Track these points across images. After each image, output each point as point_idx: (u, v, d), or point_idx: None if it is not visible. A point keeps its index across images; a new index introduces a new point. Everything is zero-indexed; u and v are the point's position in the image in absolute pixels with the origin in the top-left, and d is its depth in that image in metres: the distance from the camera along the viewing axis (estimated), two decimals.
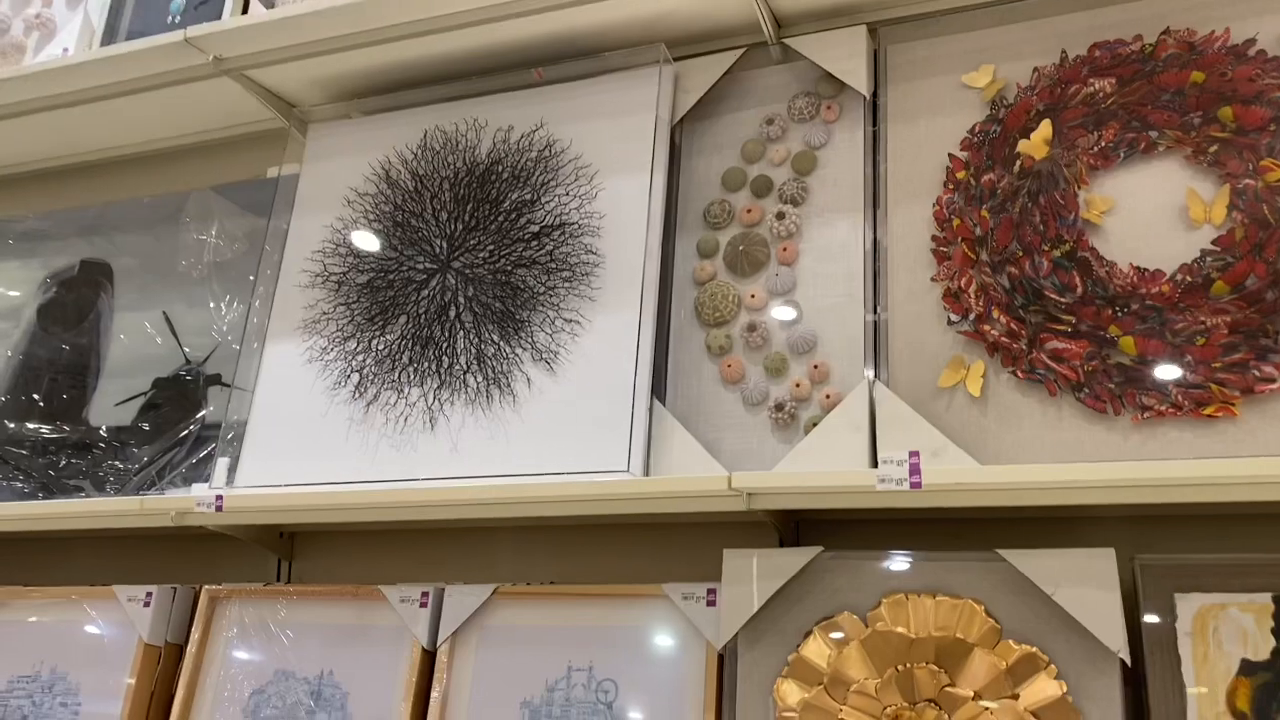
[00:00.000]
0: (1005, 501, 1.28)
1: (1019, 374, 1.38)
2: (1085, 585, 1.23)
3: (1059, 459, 1.29)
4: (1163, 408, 1.30)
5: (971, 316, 1.43)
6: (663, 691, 1.42)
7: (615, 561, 1.64)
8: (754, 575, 1.36)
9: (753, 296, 1.56)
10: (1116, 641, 1.20)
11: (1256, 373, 1.27)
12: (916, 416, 1.38)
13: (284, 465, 1.62)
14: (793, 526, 1.59)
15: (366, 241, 1.72)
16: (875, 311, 1.49)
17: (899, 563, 1.35)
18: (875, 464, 1.33)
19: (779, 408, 1.49)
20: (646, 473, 1.45)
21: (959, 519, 1.45)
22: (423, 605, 1.52)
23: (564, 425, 1.51)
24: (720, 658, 1.40)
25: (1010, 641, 1.28)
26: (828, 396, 1.47)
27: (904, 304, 1.48)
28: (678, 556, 1.58)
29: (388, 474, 1.55)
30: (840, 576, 1.37)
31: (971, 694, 1.27)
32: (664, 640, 1.45)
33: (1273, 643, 1.19)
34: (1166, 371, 1.31)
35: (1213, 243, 1.31)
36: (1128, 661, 1.21)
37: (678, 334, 1.60)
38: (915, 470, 1.23)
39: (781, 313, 1.54)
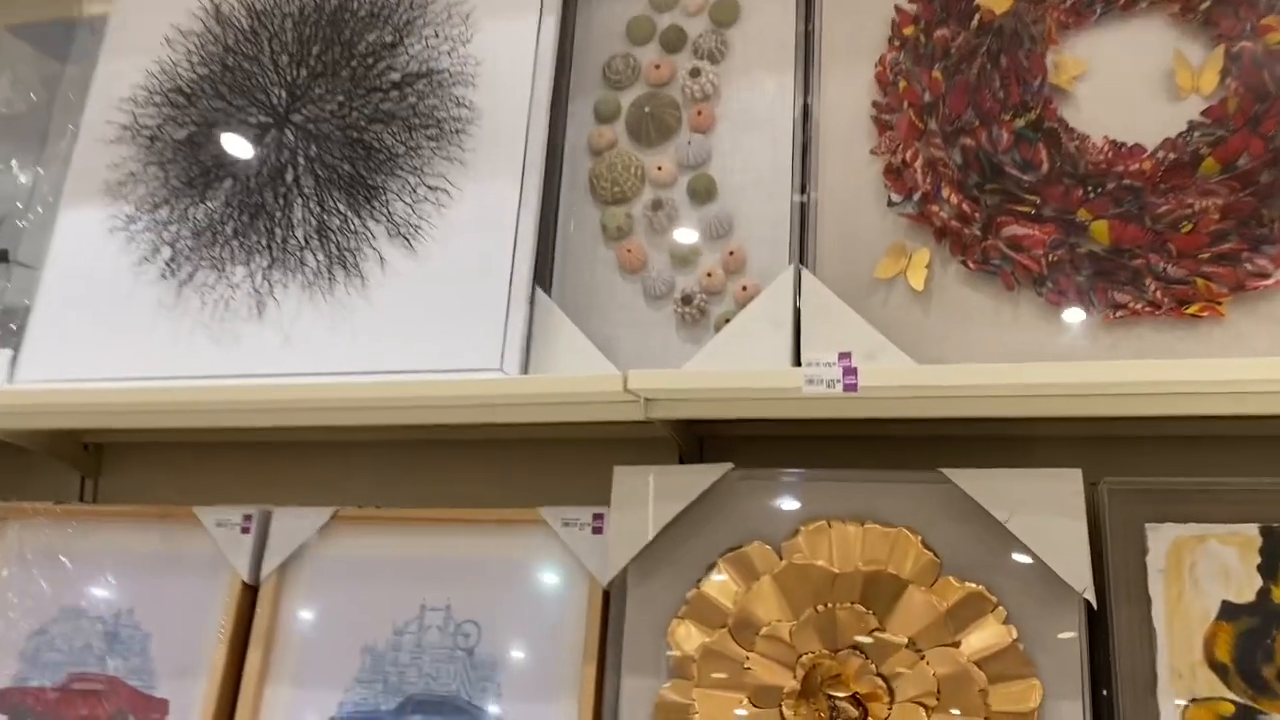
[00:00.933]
0: (951, 411, 1.06)
1: (970, 264, 1.16)
2: (1045, 512, 1.02)
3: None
4: (1139, 306, 1.10)
5: (916, 196, 1.20)
6: (536, 634, 1.17)
7: (484, 482, 1.38)
8: (649, 497, 1.12)
9: (659, 169, 1.30)
10: (1081, 579, 1.00)
11: (1249, 266, 1.07)
12: (849, 312, 1.14)
13: (76, 357, 1.31)
14: (697, 444, 1.35)
15: (187, 88, 1.40)
16: (804, 190, 1.24)
17: (821, 484, 1.13)
18: (799, 366, 1.09)
19: (686, 301, 1.24)
20: (525, 373, 1.19)
21: (896, 437, 1.23)
22: (244, 531, 1.23)
23: (424, 315, 1.24)
24: (606, 595, 1.16)
25: (951, 578, 1.07)
26: (745, 289, 1.22)
27: (838, 182, 1.24)
28: (560, 477, 1.33)
29: (203, 369, 1.25)
30: (751, 500, 1.14)
31: (904, 640, 1.06)
32: (539, 574, 1.20)
33: (1259, 582, 1.01)
34: (1144, 263, 1.10)
35: (1201, 114, 1.10)
36: (1093, 604, 1.00)
37: (568, 211, 1.33)
38: (850, 371, 1.00)
39: (693, 189, 1.28)
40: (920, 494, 1.10)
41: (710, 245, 1.27)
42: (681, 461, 1.33)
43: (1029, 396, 1.05)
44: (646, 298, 1.28)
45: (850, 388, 1.00)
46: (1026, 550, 1.03)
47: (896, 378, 1.00)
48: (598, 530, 1.17)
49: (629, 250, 1.28)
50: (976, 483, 1.06)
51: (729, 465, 1.13)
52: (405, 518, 1.27)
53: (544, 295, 1.26)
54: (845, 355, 1.06)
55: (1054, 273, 1.13)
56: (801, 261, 1.20)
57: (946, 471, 1.07)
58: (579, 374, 1.12)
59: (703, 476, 1.12)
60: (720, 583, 1.12)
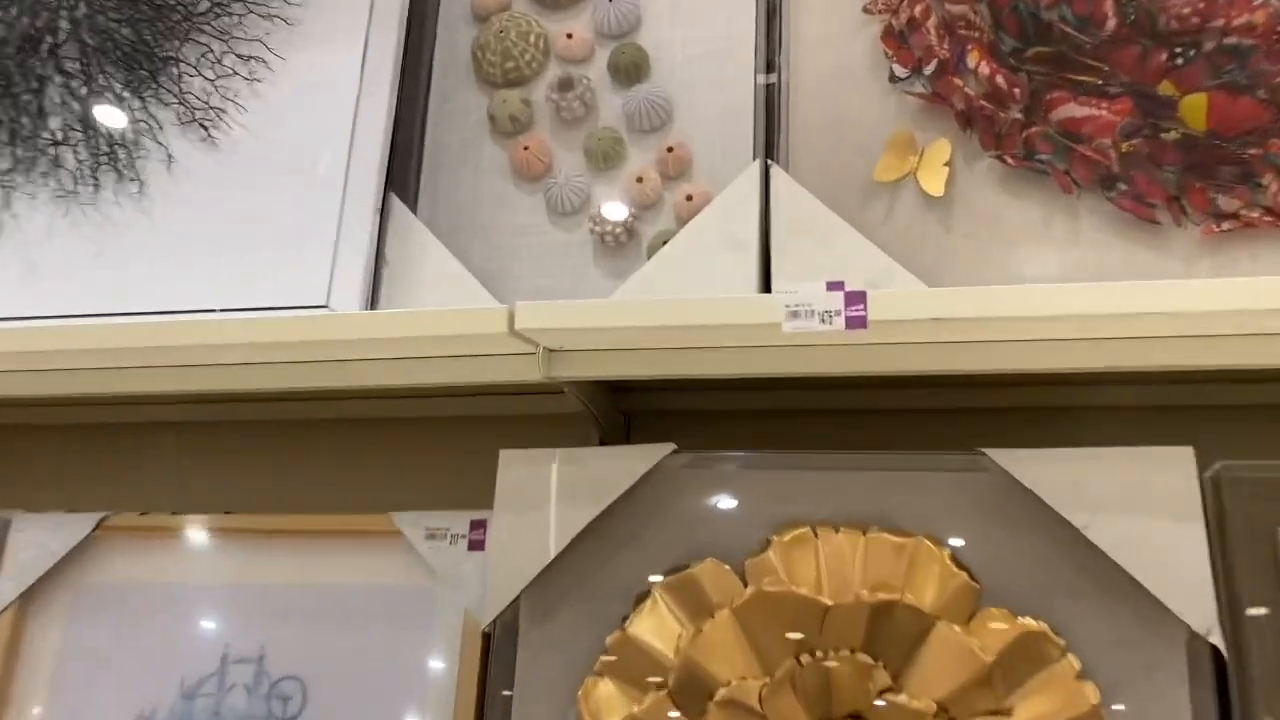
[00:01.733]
0: (1001, 362, 0.71)
1: (1009, 160, 0.81)
2: (1143, 512, 0.68)
3: None
4: (1252, 214, 0.76)
5: (930, 69, 0.85)
6: (384, 697, 0.80)
7: (324, 480, 1.00)
8: (552, 494, 0.76)
9: (569, 38, 0.93)
10: (1201, 615, 0.66)
11: None
12: (840, 224, 0.79)
13: None
14: (622, 422, 0.99)
15: None
16: (770, 67, 0.89)
17: (803, 474, 0.77)
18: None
19: (607, 217, 0.87)
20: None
21: (906, 410, 0.87)
22: None
23: (225, 233, 0.86)
24: (487, 639, 0.79)
25: (998, 611, 0.72)
26: (689, 199, 0.86)
27: (816, 51, 0.89)
28: (423, 469, 0.96)
29: None
30: (701, 497, 0.78)
31: (931, 707, 0.71)
32: (390, 610, 0.82)
33: None
34: (1259, 154, 0.76)
35: None
36: (1222, 649, 0.66)
37: (443, 97, 0.96)
38: (856, 298, 0.64)
39: (616, 65, 0.92)
40: (949, 486, 0.75)
41: (641, 141, 0.91)
42: (602, 444, 0.96)
43: (1109, 340, 0.70)
44: (551, 213, 0.91)
45: (855, 322, 0.65)
46: (1115, 570, 0.68)
47: (927, 306, 0.65)
48: (476, 545, 0.80)
49: (526, 149, 0.91)
50: (1037, 469, 0.71)
51: (669, 446, 0.76)
52: (204, 527, 0.89)
53: (402, 208, 0.88)
54: (836, 284, 0.71)
55: (1129, 168, 0.79)
56: (770, 157, 0.84)
57: (991, 453, 0.72)
58: (444, 309, 0.74)
59: (631, 463, 0.76)
60: (656, 621, 0.76)
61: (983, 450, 0.73)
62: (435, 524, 0.82)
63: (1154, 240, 0.79)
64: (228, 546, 0.87)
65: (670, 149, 0.88)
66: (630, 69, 0.92)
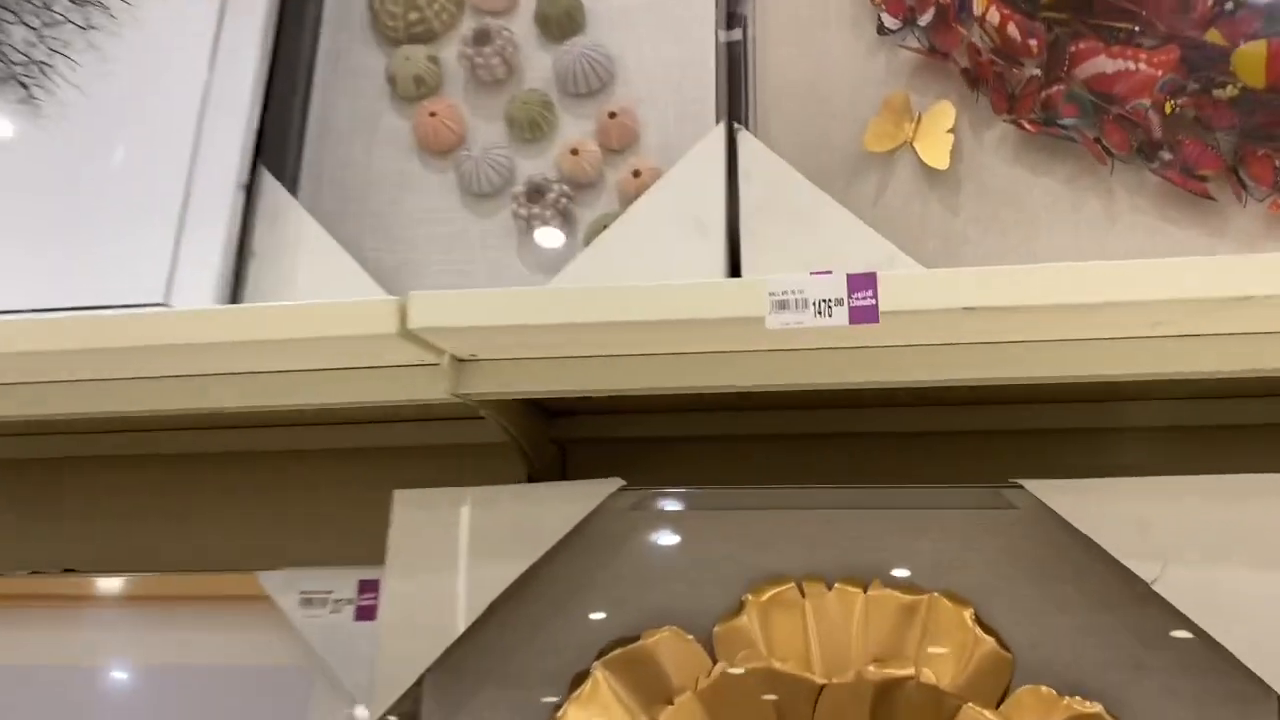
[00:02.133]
0: (1045, 369, 0.55)
1: (1026, 125, 0.66)
2: (1230, 559, 0.52)
3: None
4: None
5: (926, 18, 0.71)
6: None
7: (164, 528, 0.80)
8: (461, 546, 0.58)
9: None
10: None
11: None
12: (825, 201, 0.63)
13: None
14: (556, 453, 0.81)
15: None
16: (733, 22, 0.73)
17: (786, 510, 0.61)
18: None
19: (534, 197, 0.70)
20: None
21: (909, 436, 0.71)
22: None
23: (44, 217, 0.67)
24: None
25: (1039, 690, 0.56)
26: (636, 174, 0.70)
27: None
28: (302, 517, 0.77)
29: None
30: (658, 545, 0.61)
31: None
32: (253, 697, 0.63)
33: None
34: None
35: None
36: None
37: (332, 55, 0.79)
38: (863, 283, 0.48)
39: (545, 16, 0.75)
40: (971, 528, 0.60)
41: (575, 106, 0.74)
42: (531, 480, 0.79)
43: (1175, 339, 0.55)
44: (465, 194, 0.74)
45: (863, 314, 0.49)
46: (1191, 634, 0.52)
47: (961, 292, 0.48)
48: (366, 613, 0.62)
49: (434, 115, 0.74)
50: (1089, 504, 0.55)
51: (615, 482, 0.59)
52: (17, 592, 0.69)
53: (277, 188, 0.71)
54: (823, 273, 0.54)
55: (1174, 133, 0.65)
56: (739, 123, 0.68)
57: (1028, 485, 0.56)
58: (310, 304, 0.56)
59: (564, 505, 0.59)
60: (598, 709, 0.58)
61: (1018, 482, 0.57)
62: (313, 586, 0.63)
63: (1208, 220, 0.64)
64: (35, 618, 0.68)
65: (612, 115, 0.72)
66: (563, 20, 0.75)
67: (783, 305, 0.49)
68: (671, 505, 0.61)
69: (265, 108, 0.74)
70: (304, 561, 0.67)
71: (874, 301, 0.49)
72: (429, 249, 0.73)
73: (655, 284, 0.50)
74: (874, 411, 0.70)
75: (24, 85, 0.71)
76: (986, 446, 0.69)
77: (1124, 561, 0.54)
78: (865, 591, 0.59)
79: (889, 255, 0.61)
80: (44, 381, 0.63)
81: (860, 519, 0.60)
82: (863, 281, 0.49)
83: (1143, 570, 0.54)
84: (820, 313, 0.49)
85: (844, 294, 0.49)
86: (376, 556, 0.63)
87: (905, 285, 0.49)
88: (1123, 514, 0.55)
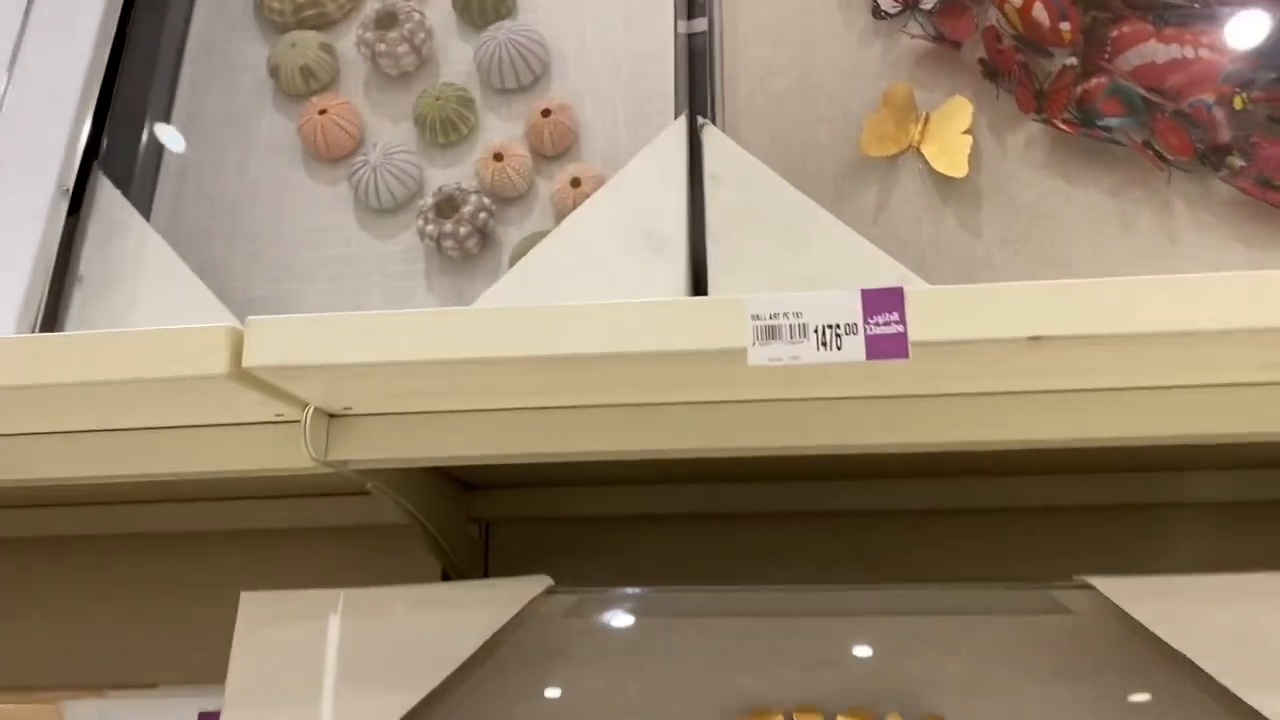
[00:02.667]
0: (1150, 428, 0.40)
1: (1060, 125, 0.53)
2: None
3: None
4: None
5: (932, 0, 0.57)
6: None
7: None
8: (328, 669, 0.42)
9: None
10: None
11: None
12: (813, 210, 0.49)
13: None
14: (476, 533, 0.66)
15: None
16: (699, 11, 0.60)
17: (773, 618, 0.45)
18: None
19: (447, 211, 0.56)
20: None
21: (927, 514, 0.57)
22: None
23: None
24: None
25: None
26: (576, 184, 0.55)
27: None
28: (132, 621, 0.60)
29: None
30: (601, 665, 0.45)
31: None
32: None
33: None
34: None
35: None
36: None
37: (203, 45, 0.64)
38: (888, 302, 0.33)
39: None
40: (1017, 640, 0.45)
41: (501, 103, 0.60)
42: (446, 576, 0.63)
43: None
44: (361, 210, 0.59)
45: (886, 346, 0.34)
46: None
47: (1024, 313, 0.34)
48: None
49: (324, 113, 0.59)
50: (1182, 612, 0.40)
51: (541, 581, 0.43)
52: None
53: (115, 195, 0.55)
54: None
55: (1246, 134, 0.52)
56: (707, 118, 0.54)
57: (1098, 584, 0.42)
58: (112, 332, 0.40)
59: (475, 611, 0.43)
60: None
61: (1084, 579, 0.42)
62: (132, 718, 0.47)
63: None
64: None
65: (546, 113, 0.58)
66: (486, 2, 0.62)
67: (771, 333, 0.35)
68: (619, 611, 0.45)
69: (109, 101, 0.59)
70: (139, 680, 0.50)
71: (901, 328, 0.34)
72: (315, 276, 0.57)
73: (592, 304, 0.35)
74: (877, 485, 0.55)
75: None
76: (1014, 528, 0.54)
77: (1231, 687, 0.39)
78: None
79: (900, 278, 0.47)
80: None
81: (870, 629, 0.45)
82: (885, 300, 0.35)
83: (1255, 698, 0.39)
84: (826, 344, 0.35)
85: (859, 317, 0.35)
86: (212, 671, 0.46)
87: (945, 305, 0.34)
88: (1223, 624, 0.40)
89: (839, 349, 0.35)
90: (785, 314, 0.35)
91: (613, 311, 0.35)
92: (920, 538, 0.59)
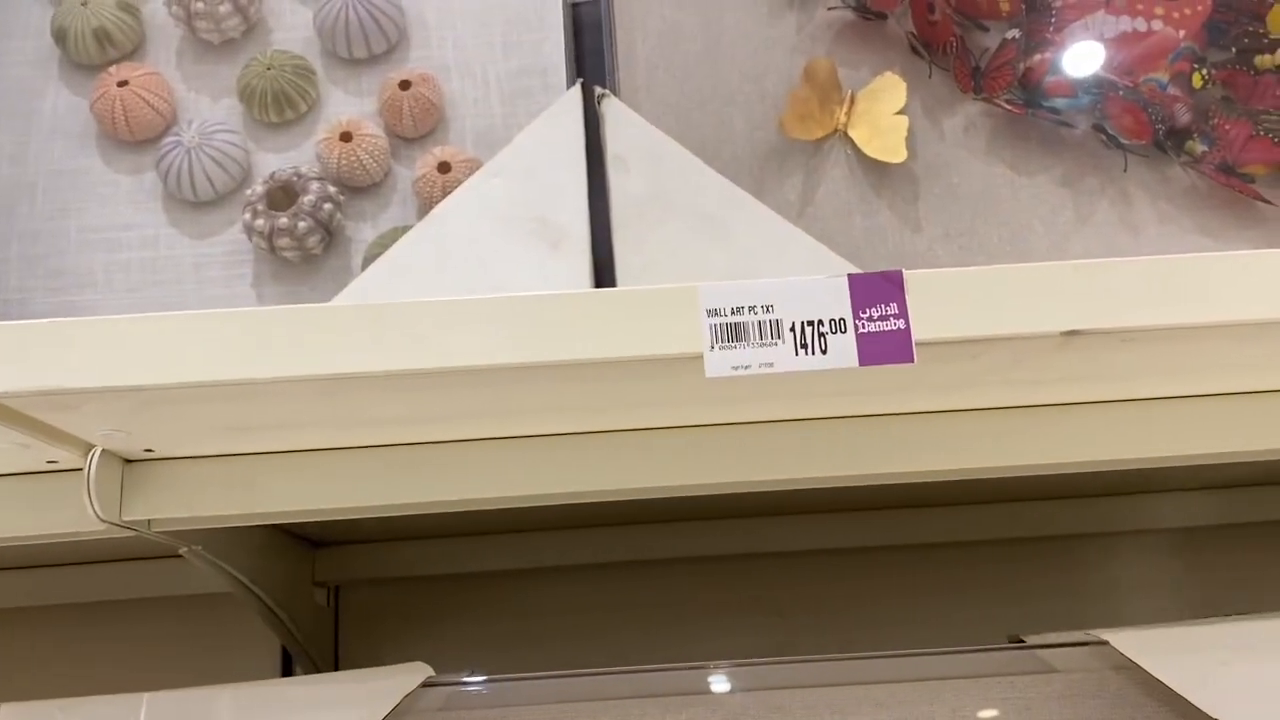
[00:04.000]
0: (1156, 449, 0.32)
1: (1005, 105, 0.46)
2: None
3: None
4: None
5: None
6: None
7: None
8: None
9: None
10: None
11: None
12: (739, 199, 0.40)
13: None
14: (323, 600, 0.54)
15: None
16: None
17: (709, 695, 0.36)
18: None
19: (281, 202, 0.45)
20: None
21: (897, 550, 0.49)
22: None
23: None
24: None
25: None
26: (445, 168, 0.45)
27: None
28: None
29: None
30: None
31: None
32: None
33: None
34: None
35: None
36: None
37: None
38: (886, 289, 0.25)
39: None
40: (1001, 702, 0.36)
41: (348, 74, 0.50)
42: (286, 652, 0.51)
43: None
44: (172, 200, 0.47)
45: (885, 347, 0.25)
46: None
47: (1062, 298, 0.26)
48: None
49: (124, 85, 0.47)
50: (1207, 671, 0.33)
51: (420, 670, 0.33)
52: None
53: None
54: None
55: (1207, 116, 0.46)
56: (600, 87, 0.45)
57: (1114, 640, 0.34)
58: None
59: (334, 715, 0.31)
60: None
61: (1096, 635, 0.35)
62: None
63: (1260, 227, 0.46)
64: None
65: (405, 85, 0.47)
66: None
67: (735, 333, 0.26)
68: (517, 705, 0.35)
69: None
70: None
71: (903, 323, 0.26)
72: (112, 285, 0.45)
73: (493, 298, 0.25)
74: (825, 520, 0.46)
75: None
76: (971, 560, 0.46)
77: None
78: None
79: (841, 269, 0.39)
80: None
81: (829, 704, 0.36)
82: (879, 288, 0.26)
83: None
84: (806, 345, 0.26)
85: (847, 310, 0.26)
86: None
87: (957, 293, 0.26)
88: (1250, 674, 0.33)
89: (823, 352, 0.26)
90: (752, 308, 0.26)
91: (521, 306, 0.25)
92: (832, 577, 0.51)
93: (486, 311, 0.26)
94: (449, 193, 0.45)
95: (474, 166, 0.46)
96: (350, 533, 0.53)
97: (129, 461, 0.33)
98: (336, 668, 0.56)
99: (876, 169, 0.47)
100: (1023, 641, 0.40)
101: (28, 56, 0.51)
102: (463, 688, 0.34)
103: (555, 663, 0.41)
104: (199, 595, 0.48)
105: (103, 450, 0.31)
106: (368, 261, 0.45)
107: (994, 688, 0.38)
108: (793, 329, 0.26)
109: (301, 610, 0.51)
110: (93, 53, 0.50)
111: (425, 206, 0.46)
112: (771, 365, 0.26)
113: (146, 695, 0.33)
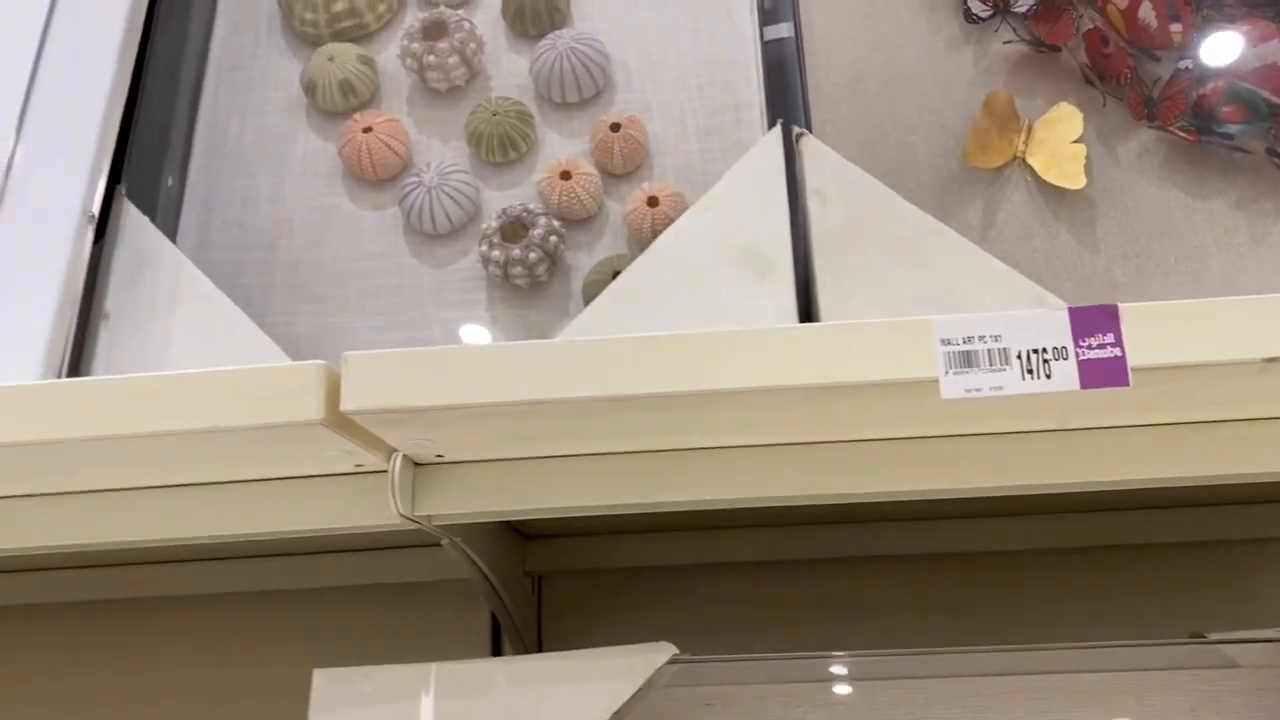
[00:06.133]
0: None
1: (1179, 132, 0.49)
2: None
3: None
4: None
5: (1026, 3, 0.53)
6: None
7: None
8: None
9: None
10: None
11: None
12: (933, 228, 0.44)
13: None
14: (529, 587, 0.60)
15: None
16: (779, 17, 0.56)
17: (921, 678, 0.40)
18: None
19: (513, 235, 0.50)
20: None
21: (1060, 554, 0.52)
22: None
23: None
24: None
25: None
26: (654, 202, 0.50)
27: None
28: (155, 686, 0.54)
29: None
30: None
31: None
32: None
33: None
34: None
35: None
36: None
37: (226, 61, 0.59)
38: (1101, 321, 0.28)
39: (520, 6, 0.57)
40: (1192, 695, 0.40)
41: (563, 117, 0.55)
42: (495, 632, 0.57)
43: None
44: (413, 234, 0.53)
45: (1103, 373, 0.29)
46: None
47: (1264, 326, 0.29)
48: None
49: (369, 132, 0.54)
50: None
51: (666, 649, 0.38)
52: None
53: (144, 223, 0.50)
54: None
55: None
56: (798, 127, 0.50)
57: None
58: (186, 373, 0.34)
59: (589, 689, 0.37)
60: None
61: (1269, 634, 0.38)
62: None
63: None
64: None
65: (615, 128, 0.53)
66: (540, 9, 0.57)
67: (967, 361, 0.30)
68: (752, 680, 0.40)
69: (131, 124, 0.53)
70: None
71: (1119, 351, 0.30)
72: (363, 309, 0.52)
73: (758, 329, 0.30)
74: (1004, 522, 0.50)
75: None
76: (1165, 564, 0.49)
77: None
78: None
79: (1034, 297, 0.43)
80: None
81: (1028, 690, 0.40)
82: (1097, 320, 0.30)
83: None
84: (1032, 371, 0.30)
85: (1068, 339, 0.30)
86: None
87: (1167, 323, 0.30)
88: None
89: (1048, 377, 0.30)
90: (982, 337, 0.30)
91: (784, 337, 0.30)
92: (1012, 580, 0.55)
93: (758, 341, 0.31)
94: (657, 224, 0.50)
95: (679, 200, 0.51)
96: (556, 528, 0.59)
97: (418, 465, 0.39)
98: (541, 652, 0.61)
99: (1054, 194, 0.50)
100: (1205, 638, 0.43)
101: (279, 106, 0.58)
102: (705, 665, 0.39)
103: (736, 654, 0.46)
104: (415, 583, 0.54)
105: (403, 455, 0.37)
106: (587, 287, 0.50)
107: (1179, 680, 0.41)
108: (1019, 356, 0.30)
109: (516, 598, 0.57)
110: (338, 102, 0.56)
111: (635, 237, 0.51)
112: (1001, 389, 0.30)
113: (435, 665, 0.39)
